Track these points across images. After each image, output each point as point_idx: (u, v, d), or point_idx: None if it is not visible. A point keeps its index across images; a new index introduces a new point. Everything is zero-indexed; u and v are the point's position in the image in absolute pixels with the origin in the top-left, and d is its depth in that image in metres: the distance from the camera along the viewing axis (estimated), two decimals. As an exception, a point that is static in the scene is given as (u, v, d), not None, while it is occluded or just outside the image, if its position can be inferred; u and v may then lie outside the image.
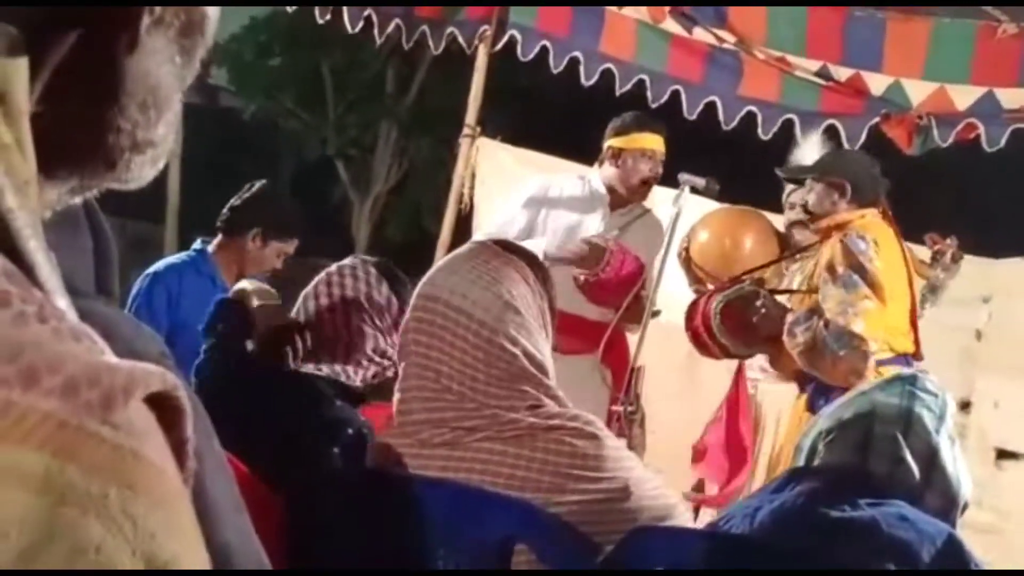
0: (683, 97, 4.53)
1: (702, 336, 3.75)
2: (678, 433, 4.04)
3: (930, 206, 6.96)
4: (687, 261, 4.20)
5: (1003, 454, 4.59)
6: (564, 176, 4.27)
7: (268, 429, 2.05)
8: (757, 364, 4.01)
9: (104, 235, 0.71)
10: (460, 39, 4.78)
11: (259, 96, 15.94)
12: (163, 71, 0.60)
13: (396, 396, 1.97)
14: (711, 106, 4.50)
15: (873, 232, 3.58)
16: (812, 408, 3.44)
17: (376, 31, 4.70)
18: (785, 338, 3.53)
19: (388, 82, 15.99)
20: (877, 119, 4.27)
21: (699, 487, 4.05)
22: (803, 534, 1.77)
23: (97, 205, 0.70)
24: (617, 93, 4.58)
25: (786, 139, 4.21)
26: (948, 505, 1.88)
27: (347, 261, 2.45)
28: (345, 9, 4.66)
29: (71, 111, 0.56)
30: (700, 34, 4.48)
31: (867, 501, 1.78)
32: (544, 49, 4.62)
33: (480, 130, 4.84)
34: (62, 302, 0.49)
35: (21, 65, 0.50)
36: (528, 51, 4.64)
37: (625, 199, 4.07)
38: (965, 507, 1.93)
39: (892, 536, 1.72)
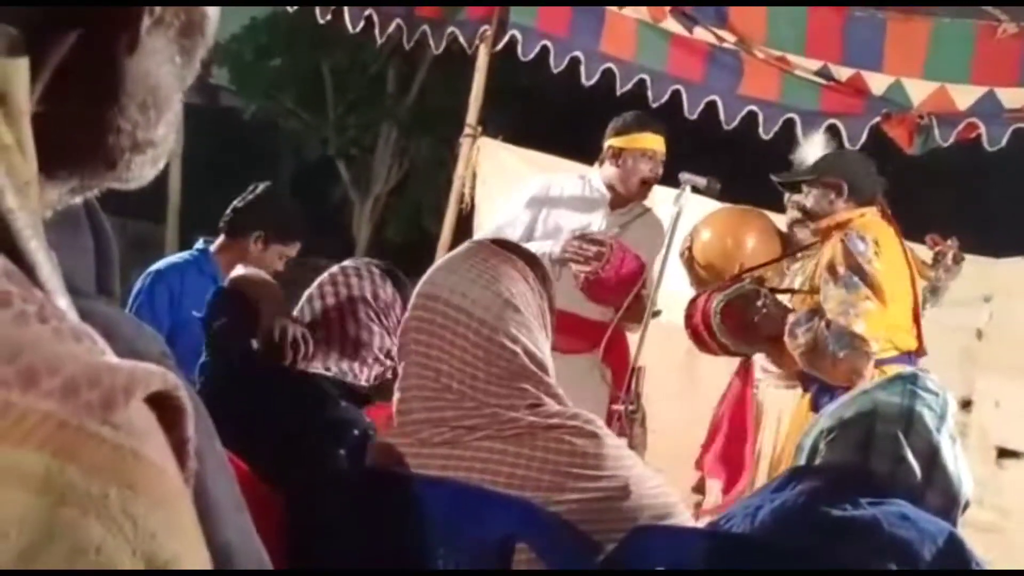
0: (684, 97, 4.53)
1: (702, 334, 3.75)
2: (678, 432, 4.04)
3: (931, 206, 6.96)
4: (690, 261, 4.20)
5: (1004, 453, 4.59)
6: (565, 176, 4.27)
7: (271, 428, 2.05)
8: (759, 364, 4.00)
9: (105, 235, 0.71)
10: (461, 39, 4.78)
11: (260, 96, 15.92)
12: (163, 71, 0.60)
13: (396, 395, 1.96)
14: (712, 106, 4.49)
15: (873, 231, 3.58)
16: (816, 407, 3.44)
17: (377, 31, 4.71)
18: (786, 339, 3.53)
19: (389, 82, 15.97)
20: (878, 119, 4.27)
21: (699, 487, 4.04)
22: (804, 533, 1.76)
23: (98, 205, 0.70)
24: (618, 93, 4.58)
25: (787, 139, 4.20)
26: (949, 504, 1.88)
27: (349, 262, 2.46)
28: (346, 9, 4.66)
29: (71, 111, 0.56)
30: (700, 34, 4.47)
31: (868, 500, 1.78)
32: (544, 49, 4.62)
33: (481, 130, 4.84)
34: (63, 302, 0.49)
35: (21, 65, 0.50)
36: (529, 51, 4.64)
37: (625, 199, 4.07)
38: (966, 506, 1.93)
39: (893, 535, 1.72)
